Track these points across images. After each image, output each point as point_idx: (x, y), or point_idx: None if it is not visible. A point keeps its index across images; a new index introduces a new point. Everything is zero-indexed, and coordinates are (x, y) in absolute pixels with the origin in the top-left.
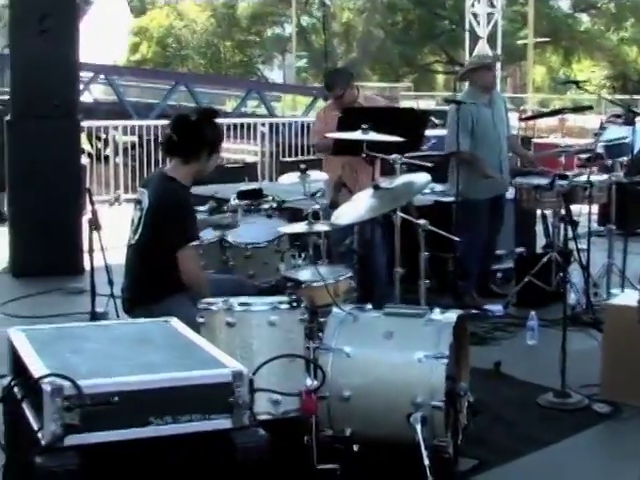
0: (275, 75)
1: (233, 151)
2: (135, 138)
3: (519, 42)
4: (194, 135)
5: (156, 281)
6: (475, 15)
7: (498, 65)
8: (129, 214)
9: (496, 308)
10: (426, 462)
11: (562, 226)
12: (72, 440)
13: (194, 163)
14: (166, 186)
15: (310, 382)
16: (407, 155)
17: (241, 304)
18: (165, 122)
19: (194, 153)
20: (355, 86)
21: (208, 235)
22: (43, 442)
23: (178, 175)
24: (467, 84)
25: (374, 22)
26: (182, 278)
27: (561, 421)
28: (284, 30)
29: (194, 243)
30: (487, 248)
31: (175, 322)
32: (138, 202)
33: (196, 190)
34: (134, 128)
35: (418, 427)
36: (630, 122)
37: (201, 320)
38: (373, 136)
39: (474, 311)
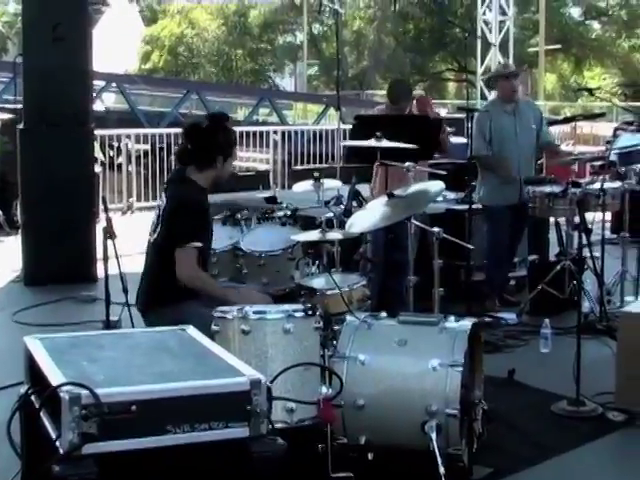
0: (286, 83)
1: (245, 159)
2: (147, 146)
3: (530, 49)
4: (207, 142)
5: (171, 284)
6: (486, 23)
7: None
8: (142, 222)
9: (510, 316)
10: (441, 470)
11: (575, 234)
12: (90, 449)
13: (209, 170)
14: (182, 186)
15: (325, 390)
16: (423, 163)
17: (256, 312)
18: (177, 130)
19: (209, 160)
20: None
21: (221, 243)
22: (61, 451)
23: (196, 178)
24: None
25: (385, 31)
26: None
27: (575, 429)
28: (295, 38)
29: (195, 244)
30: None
31: (191, 330)
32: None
33: (209, 199)
34: (146, 136)
35: (433, 435)
36: None
37: (216, 328)
38: (387, 144)
39: (488, 319)
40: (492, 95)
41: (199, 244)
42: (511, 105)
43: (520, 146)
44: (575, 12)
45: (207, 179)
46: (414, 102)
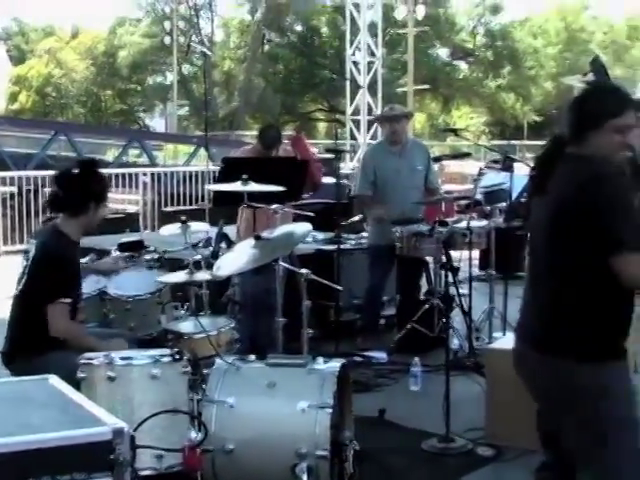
0: (156, 123)
1: (114, 201)
2: (14, 188)
3: (399, 90)
4: (80, 189)
5: (36, 334)
6: (355, 63)
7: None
8: (9, 266)
9: (380, 355)
10: None
11: (443, 272)
12: None
13: (83, 216)
14: (54, 241)
15: (194, 435)
16: (289, 204)
17: (122, 358)
18: (44, 172)
19: (82, 207)
20: None
21: (88, 288)
22: None
23: (69, 229)
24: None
25: (255, 71)
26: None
27: (446, 466)
28: (165, 78)
29: (66, 300)
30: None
31: (54, 380)
32: (26, 252)
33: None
34: (13, 179)
35: (304, 478)
36: (507, 168)
37: (82, 375)
38: (253, 187)
39: (358, 358)
40: (361, 135)
41: (69, 300)
42: (397, 147)
43: (404, 187)
44: (443, 53)
45: (79, 227)
46: (289, 142)
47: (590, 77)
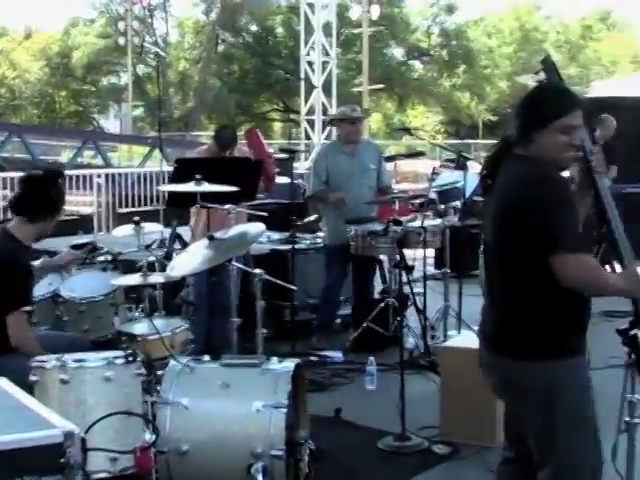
0: (111, 124)
1: (68, 203)
2: None
3: (354, 89)
4: (41, 195)
5: None
6: (310, 63)
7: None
8: None
9: (336, 354)
10: None
11: (397, 271)
12: None
13: (39, 223)
14: (6, 246)
15: (149, 436)
16: (243, 204)
17: (75, 360)
18: None
19: (41, 213)
20: None
21: (41, 290)
22: None
23: (21, 234)
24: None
25: (210, 71)
26: (10, 342)
27: (402, 464)
28: (120, 79)
29: (26, 308)
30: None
31: (3, 382)
32: None
33: None
34: None
35: (259, 478)
36: (461, 167)
37: (34, 378)
38: (206, 187)
39: (313, 358)
40: (316, 135)
41: (29, 307)
42: (350, 147)
43: (357, 187)
44: (398, 52)
45: (34, 234)
46: (245, 142)
47: (542, 76)
